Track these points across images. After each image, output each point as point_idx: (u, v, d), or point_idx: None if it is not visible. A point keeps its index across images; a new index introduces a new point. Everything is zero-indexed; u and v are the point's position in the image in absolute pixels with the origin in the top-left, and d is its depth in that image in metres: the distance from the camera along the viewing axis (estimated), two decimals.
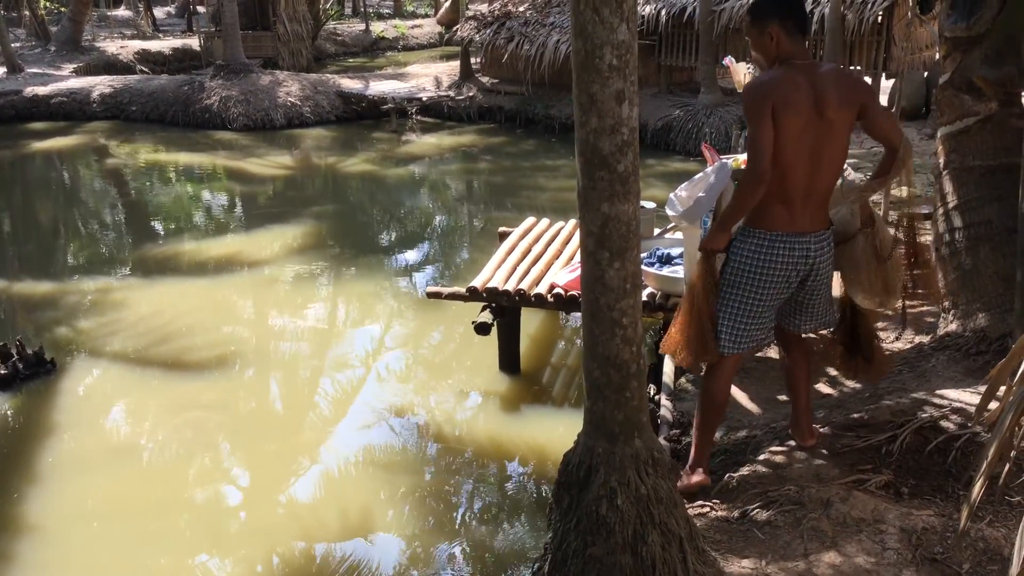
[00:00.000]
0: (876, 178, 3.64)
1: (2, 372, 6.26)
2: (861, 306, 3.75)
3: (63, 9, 26.78)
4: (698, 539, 3.04)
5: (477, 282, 6.01)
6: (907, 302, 6.02)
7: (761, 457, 3.94)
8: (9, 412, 6.07)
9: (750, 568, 3.04)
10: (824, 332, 4.25)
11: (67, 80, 18.60)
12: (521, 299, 5.87)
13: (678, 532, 2.92)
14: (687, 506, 3.44)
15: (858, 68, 13.11)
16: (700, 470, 3.76)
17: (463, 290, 6.04)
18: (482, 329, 5.95)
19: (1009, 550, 2.82)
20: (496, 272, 6.17)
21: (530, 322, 6.77)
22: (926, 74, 12.47)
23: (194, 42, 24.46)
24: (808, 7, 12.97)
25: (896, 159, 3.48)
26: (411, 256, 10.01)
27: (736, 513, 3.49)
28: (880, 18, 12.50)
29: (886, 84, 13.08)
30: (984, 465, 2.06)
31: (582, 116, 2.67)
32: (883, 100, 12.87)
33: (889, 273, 3.67)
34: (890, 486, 3.48)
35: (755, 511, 3.43)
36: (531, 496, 5.07)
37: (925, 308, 5.71)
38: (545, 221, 7.31)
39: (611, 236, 2.74)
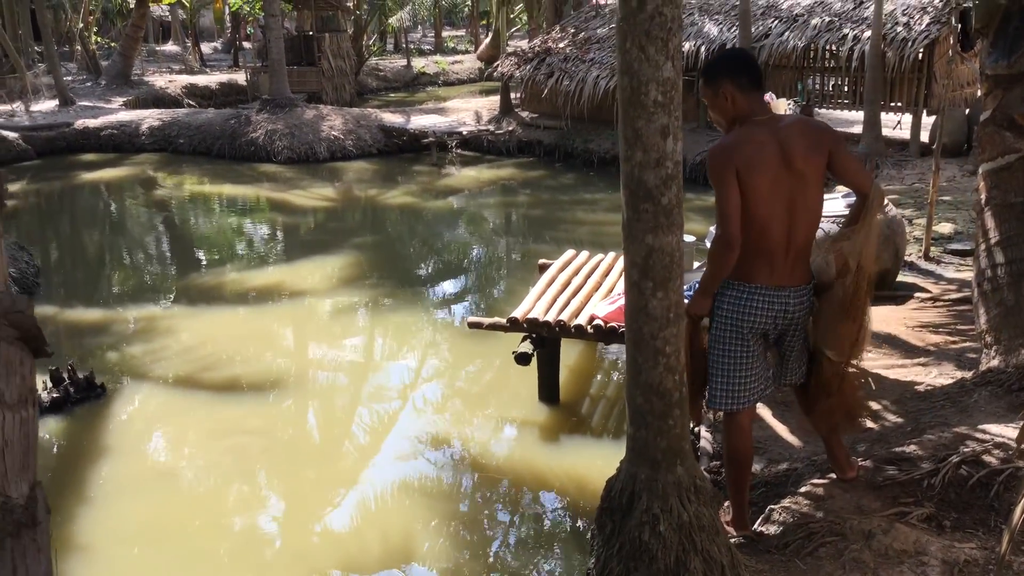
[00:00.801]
0: (848, 225, 3.54)
1: (54, 395, 6.44)
2: (827, 355, 3.60)
3: (113, 44, 27.62)
4: (740, 567, 3.07)
5: (518, 313, 6.09)
6: (948, 339, 6.03)
7: (802, 489, 3.95)
8: (60, 434, 6.23)
9: None
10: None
11: (117, 113, 19.13)
12: (561, 330, 5.94)
13: (720, 560, 2.95)
14: (729, 536, 3.47)
15: (899, 105, 13.10)
16: (741, 525, 3.72)
17: (504, 321, 6.12)
18: (523, 359, 6.02)
19: None
20: (536, 303, 6.25)
21: (568, 354, 6.83)
22: (967, 111, 12.44)
23: (240, 77, 25.08)
24: (848, 44, 13.03)
25: (866, 204, 3.43)
26: (450, 287, 10.13)
27: (778, 544, 3.50)
28: (921, 55, 12.50)
29: (927, 121, 13.04)
30: (1023, 495, 2.09)
31: (627, 150, 2.75)
32: (924, 137, 12.86)
33: (858, 327, 3.56)
34: (932, 519, 3.48)
35: (797, 542, 3.44)
36: (570, 526, 5.10)
37: (967, 344, 5.69)
38: (585, 254, 7.38)
39: (655, 267, 2.81)
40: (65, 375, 6.60)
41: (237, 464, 5.78)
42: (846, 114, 14.70)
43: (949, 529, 3.42)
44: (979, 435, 4.06)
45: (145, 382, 7.05)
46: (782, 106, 5.89)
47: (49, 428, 6.17)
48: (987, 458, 3.80)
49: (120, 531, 5.07)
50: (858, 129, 13.09)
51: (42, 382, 6.48)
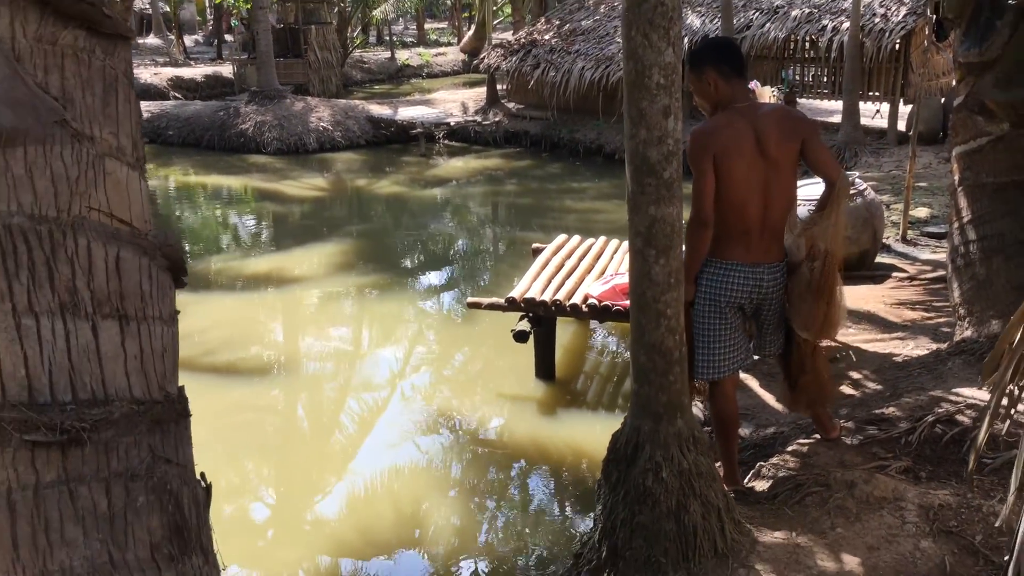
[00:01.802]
0: (818, 211, 3.76)
1: None
2: (798, 334, 3.86)
3: None
4: (734, 511, 3.35)
5: (515, 293, 6.35)
6: (924, 315, 6.35)
7: (789, 449, 4.24)
8: None
9: (782, 538, 3.35)
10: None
11: None
12: (557, 309, 6.21)
13: (716, 504, 3.24)
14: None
15: (877, 94, 13.44)
16: (732, 481, 4.01)
17: (502, 301, 6.39)
18: (521, 337, 6.29)
19: (1019, 524, 3.12)
20: (533, 284, 6.51)
21: (562, 334, 7.10)
22: (943, 100, 12.81)
23: (224, 69, 25.14)
24: (827, 35, 13.35)
25: (833, 192, 3.65)
26: (441, 273, 10.39)
27: (767, 496, 3.79)
28: (898, 46, 12.84)
29: (904, 110, 13.39)
30: (983, 432, 2.38)
31: (632, 128, 3.02)
32: (901, 126, 13.21)
33: (828, 307, 3.74)
34: (909, 471, 3.77)
35: (785, 492, 3.73)
36: (570, 491, 5.38)
37: (942, 320, 6.01)
38: (577, 238, 7.66)
39: (657, 235, 3.08)
40: None
41: (236, 443, 5.99)
42: (826, 103, 15.05)
43: (925, 479, 3.72)
44: (953, 397, 4.37)
45: None
46: (766, 94, 6.17)
47: None
48: (960, 417, 4.11)
49: None
50: (838, 118, 13.43)
51: None
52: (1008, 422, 3.66)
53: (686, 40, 15.01)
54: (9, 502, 1.42)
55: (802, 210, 4.23)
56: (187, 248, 11.59)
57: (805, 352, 3.95)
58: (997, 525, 3.03)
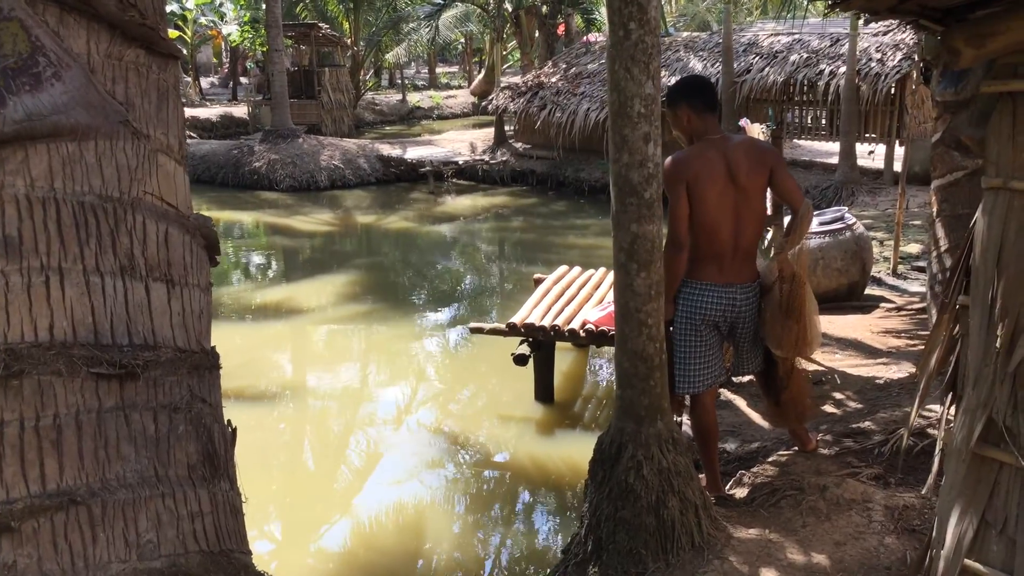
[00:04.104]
0: (784, 236, 4.01)
1: None
2: (774, 352, 4.08)
3: None
4: (711, 509, 3.61)
5: (516, 319, 6.64)
6: (908, 342, 6.60)
7: (770, 459, 4.49)
8: None
9: (755, 534, 3.60)
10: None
11: None
12: (556, 334, 6.48)
13: (694, 500, 3.49)
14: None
15: (873, 136, 13.80)
16: (715, 488, 4.25)
17: (504, 326, 6.67)
18: (521, 360, 6.56)
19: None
20: (533, 310, 6.80)
21: (562, 360, 7.37)
22: None
23: (237, 110, 25.72)
24: (824, 79, 13.75)
25: (796, 218, 3.90)
26: (447, 304, 10.69)
27: (746, 500, 4.04)
28: (893, 89, 13.23)
29: (900, 151, 13.73)
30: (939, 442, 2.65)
31: (616, 153, 3.33)
32: (897, 167, 13.54)
33: (796, 327, 3.93)
34: (880, 478, 4.02)
35: (761, 497, 3.98)
36: (567, 504, 5.61)
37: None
38: (577, 268, 7.95)
39: (639, 251, 3.38)
40: None
41: (240, 470, 6.24)
42: (824, 145, 15.41)
43: (894, 485, 3.96)
44: (926, 413, 4.62)
45: None
46: (755, 130, 6.49)
47: None
48: (931, 431, 4.35)
49: None
50: (835, 160, 13.78)
51: None
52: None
53: None
54: (77, 422, 1.73)
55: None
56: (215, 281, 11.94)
57: (783, 371, 4.20)
58: (923, 493, 3.29)
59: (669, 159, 3.82)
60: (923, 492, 2.72)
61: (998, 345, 1.96)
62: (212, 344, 2.02)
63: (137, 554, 1.70)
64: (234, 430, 2.09)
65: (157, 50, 1.82)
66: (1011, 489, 1.92)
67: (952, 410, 2.30)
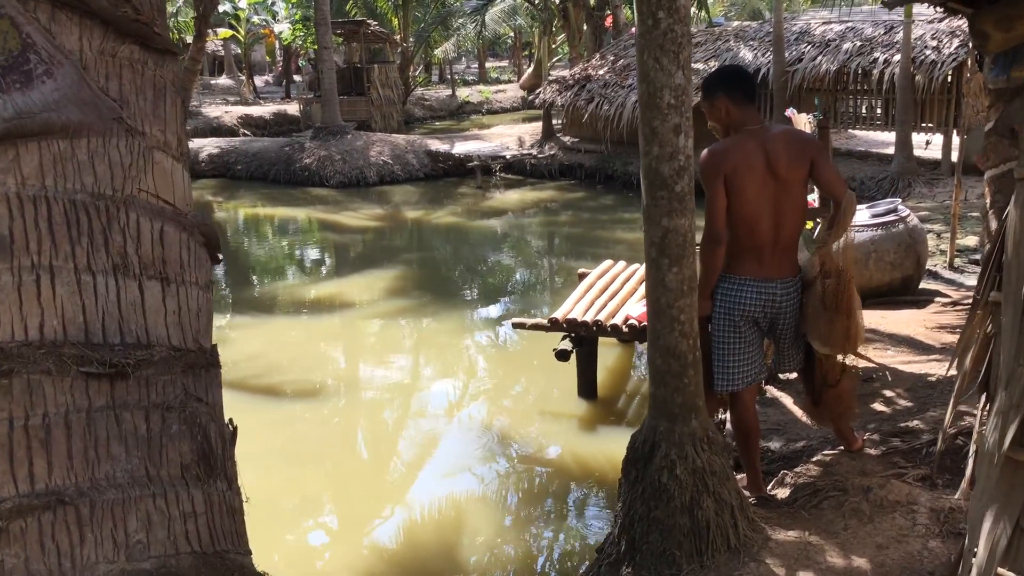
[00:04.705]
0: (827, 230, 3.88)
1: None
2: (817, 350, 3.96)
3: None
4: (748, 510, 3.52)
5: (558, 314, 6.59)
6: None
7: (814, 459, 4.38)
8: None
9: (795, 536, 3.50)
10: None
11: None
12: (598, 329, 6.41)
13: (730, 501, 3.40)
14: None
15: (930, 126, 13.43)
16: (756, 488, 4.15)
17: (546, 321, 6.62)
18: (562, 356, 6.51)
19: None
20: (576, 305, 6.74)
21: (608, 355, 7.29)
22: None
23: (291, 107, 26.02)
24: (879, 67, 13.42)
25: (839, 210, 3.78)
26: (493, 299, 10.67)
27: (787, 500, 3.94)
28: (950, 77, 12.85)
29: (957, 141, 13.34)
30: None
31: (646, 146, 3.25)
32: (955, 157, 13.16)
33: (844, 322, 3.81)
34: (927, 479, 3.88)
35: (803, 498, 3.87)
36: (609, 502, 5.55)
37: None
38: (622, 263, 7.87)
39: (670, 245, 3.30)
40: None
41: (289, 455, 6.30)
42: (879, 135, 15.05)
43: (941, 486, 3.82)
44: (977, 412, 4.46)
45: None
46: (802, 121, 6.33)
47: None
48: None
49: None
50: (891, 150, 13.44)
51: None
52: None
53: None
54: (66, 421, 1.73)
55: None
56: (257, 274, 12.10)
57: (827, 368, 4.07)
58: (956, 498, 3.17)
59: (706, 151, 3.74)
60: (956, 496, 2.60)
61: None
62: (213, 343, 2.00)
63: (126, 555, 1.70)
64: (234, 429, 2.08)
65: (153, 46, 1.80)
66: None
67: (986, 411, 2.20)
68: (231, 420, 2.09)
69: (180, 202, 1.88)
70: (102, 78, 1.76)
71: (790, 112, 6.50)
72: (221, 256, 2.02)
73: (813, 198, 5.14)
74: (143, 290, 1.81)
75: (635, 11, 3.22)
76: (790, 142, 3.72)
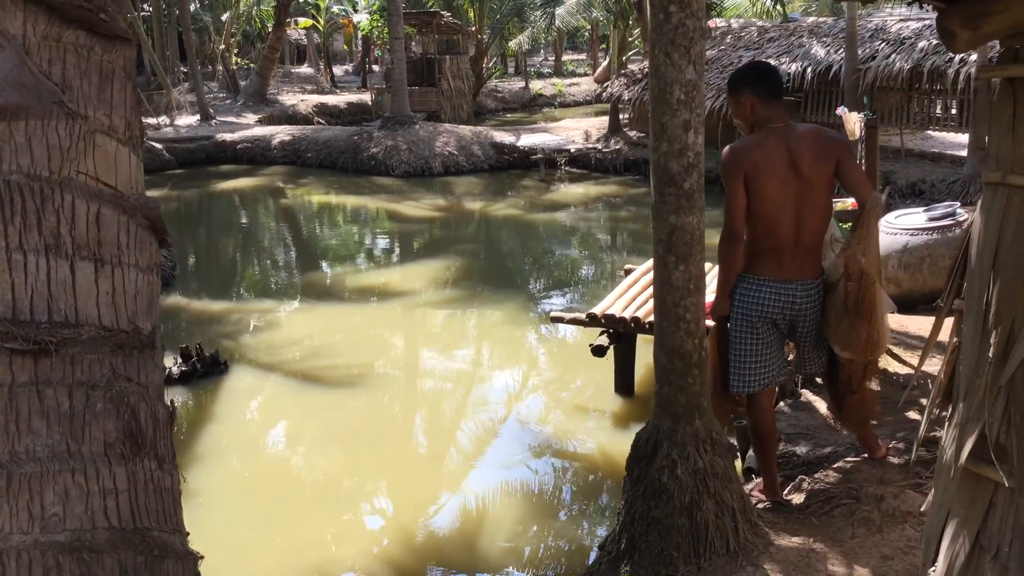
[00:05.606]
0: (852, 232, 3.78)
1: (184, 369, 7.28)
2: (838, 354, 3.86)
3: (252, 65, 29.45)
4: (751, 514, 3.47)
5: (597, 309, 6.56)
6: None
7: (835, 466, 4.29)
8: (187, 401, 7.05)
9: (798, 543, 3.44)
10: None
11: (252, 128, 20.61)
12: (636, 326, 6.36)
13: (731, 504, 3.36)
14: (758, 500, 3.88)
15: None
16: (771, 492, 4.08)
17: (584, 316, 6.60)
18: (598, 351, 6.48)
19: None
20: (616, 302, 6.70)
21: (648, 352, 7.22)
22: None
23: (366, 97, 26.39)
24: (955, 67, 12.99)
25: (864, 212, 3.67)
26: (550, 294, 10.67)
27: (801, 506, 3.87)
28: None
29: None
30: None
31: (655, 141, 3.23)
32: None
33: (866, 327, 3.71)
34: None
35: (816, 504, 3.80)
36: None
37: None
38: None
39: (677, 243, 3.27)
40: (194, 352, 7.43)
41: (338, 438, 6.44)
42: (954, 136, 14.56)
43: None
44: None
45: (260, 365, 7.82)
46: (853, 119, 6.18)
47: (178, 396, 6.98)
48: None
49: (228, 482, 5.79)
50: (964, 152, 12.99)
51: (173, 358, 7.33)
52: None
53: (810, 70, 14.91)
54: None
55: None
56: (318, 260, 12.36)
57: (851, 372, 3.97)
58: (922, 509, 3.09)
59: (727, 148, 3.70)
60: (922, 509, 2.52)
61: (991, 354, 1.79)
62: (157, 324, 2.05)
63: (40, 527, 1.75)
64: (173, 411, 2.13)
65: (100, 31, 1.85)
66: (1006, 512, 1.75)
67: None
68: (172, 402, 2.14)
69: (124, 185, 1.94)
70: (45, 62, 1.81)
71: (841, 110, 6.36)
72: (170, 240, 2.07)
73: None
74: (74, 270, 1.86)
75: (648, 4, 3.19)
76: (815, 141, 3.64)
